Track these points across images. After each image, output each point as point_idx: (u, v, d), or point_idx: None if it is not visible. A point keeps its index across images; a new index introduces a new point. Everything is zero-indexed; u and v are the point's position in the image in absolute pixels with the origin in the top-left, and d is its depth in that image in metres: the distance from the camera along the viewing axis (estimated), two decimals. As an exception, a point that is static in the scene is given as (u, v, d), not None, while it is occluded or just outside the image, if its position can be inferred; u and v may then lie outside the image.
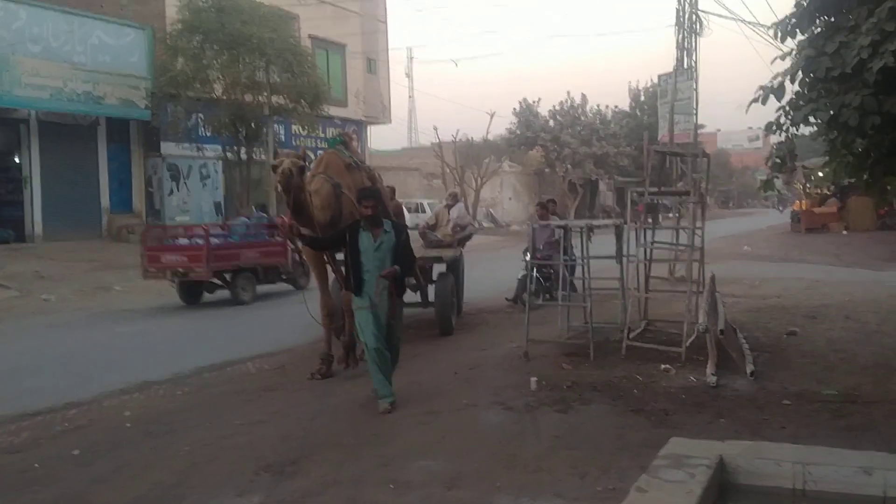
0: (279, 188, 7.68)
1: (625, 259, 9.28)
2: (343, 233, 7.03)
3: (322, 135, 26.81)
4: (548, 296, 11.86)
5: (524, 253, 12.44)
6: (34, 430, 6.65)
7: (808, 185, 32.57)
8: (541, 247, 12.17)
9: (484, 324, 11.38)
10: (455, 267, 11.42)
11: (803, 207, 32.20)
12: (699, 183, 10.22)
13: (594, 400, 6.74)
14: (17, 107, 21.13)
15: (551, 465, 5.17)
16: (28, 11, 21.46)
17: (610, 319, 9.68)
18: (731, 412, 6.33)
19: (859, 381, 7.20)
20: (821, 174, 19.66)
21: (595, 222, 10.66)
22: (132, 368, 8.91)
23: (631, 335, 8.67)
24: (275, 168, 7.47)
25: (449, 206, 12.53)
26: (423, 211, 31.66)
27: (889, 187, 10.81)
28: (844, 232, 28.24)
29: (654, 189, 10.08)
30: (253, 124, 24.04)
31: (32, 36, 21.16)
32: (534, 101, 44.83)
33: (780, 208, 43.64)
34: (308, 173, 8.32)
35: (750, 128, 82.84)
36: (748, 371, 7.38)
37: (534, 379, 7.24)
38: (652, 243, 9.58)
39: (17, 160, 22.63)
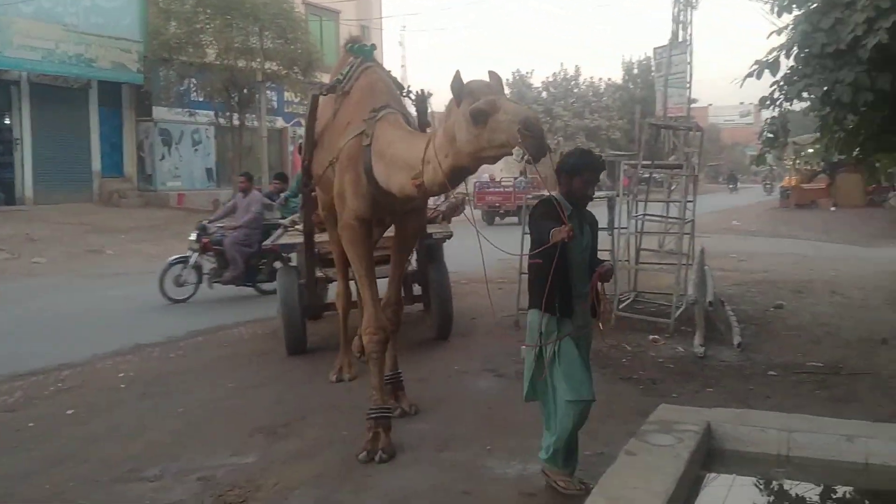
0: (525, 149, 3.84)
1: (616, 231, 9.36)
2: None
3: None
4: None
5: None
6: (28, 389, 6.67)
7: (797, 161, 32.51)
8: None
9: (473, 293, 11.42)
10: (441, 251, 8.57)
11: (793, 183, 32.23)
12: (691, 157, 10.29)
13: (583, 368, 6.82)
14: (8, 68, 20.86)
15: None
16: (20, -29, 21.16)
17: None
18: (718, 382, 6.47)
19: (844, 354, 7.35)
20: (811, 150, 19.69)
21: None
22: (125, 331, 8.93)
23: (621, 306, 8.81)
24: (481, 113, 3.95)
25: None
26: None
27: (878, 164, 10.95)
28: (833, 208, 28.33)
29: (647, 163, 10.14)
30: (245, 90, 23.89)
31: (25, -5, 20.87)
32: (527, 73, 44.57)
33: (769, 188, 41.71)
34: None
35: (742, 103, 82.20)
36: (735, 342, 7.51)
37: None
38: (643, 216, 9.66)
39: (7, 122, 22.42)
